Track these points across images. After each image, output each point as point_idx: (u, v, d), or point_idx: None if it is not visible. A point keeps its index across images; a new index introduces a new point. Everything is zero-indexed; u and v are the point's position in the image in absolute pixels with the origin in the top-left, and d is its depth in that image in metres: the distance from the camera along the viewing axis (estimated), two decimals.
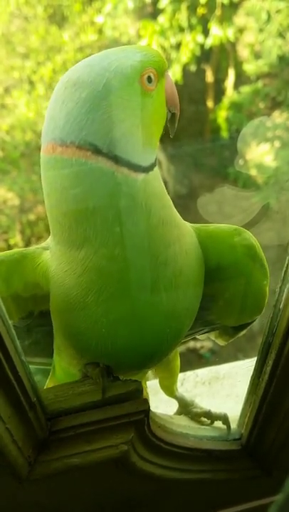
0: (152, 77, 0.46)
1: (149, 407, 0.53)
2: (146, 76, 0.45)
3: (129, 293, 0.47)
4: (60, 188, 0.44)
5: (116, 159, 0.43)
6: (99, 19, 4.12)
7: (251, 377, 0.59)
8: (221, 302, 0.58)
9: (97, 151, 0.42)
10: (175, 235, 0.49)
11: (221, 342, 0.67)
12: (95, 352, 0.51)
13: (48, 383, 0.63)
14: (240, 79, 4.60)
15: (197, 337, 0.66)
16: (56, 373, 0.60)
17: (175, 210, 0.50)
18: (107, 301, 0.47)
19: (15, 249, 0.52)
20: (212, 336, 0.67)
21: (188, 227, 0.53)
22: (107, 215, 0.43)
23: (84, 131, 0.42)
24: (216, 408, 0.66)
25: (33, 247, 0.51)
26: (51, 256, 0.49)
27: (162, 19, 4.00)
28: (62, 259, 0.47)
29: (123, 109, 0.43)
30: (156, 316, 0.50)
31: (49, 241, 0.51)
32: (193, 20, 4.04)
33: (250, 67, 4.44)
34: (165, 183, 0.49)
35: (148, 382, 0.72)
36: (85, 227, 0.44)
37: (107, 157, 0.42)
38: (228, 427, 0.63)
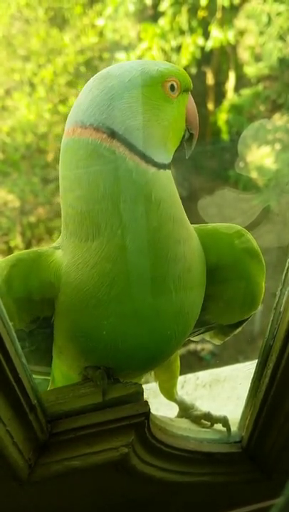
0: (175, 86, 0.50)
1: (149, 409, 0.53)
2: (169, 83, 0.49)
3: (140, 287, 0.48)
4: (75, 168, 0.46)
5: (130, 146, 0.45)
6: (100, 22, 4.12)
7: (252, 379, 0.59)
8: (219, 300, 0.58)
9: (112, 134, 0.45)
10: (185, 234, 0.50)
11: (216, 341, 0.67)
12: (102, 353, 0.52)
13: None
14: (241, 81, 4.60)
15: (192, 339, 0.66)
16: (56, 380, 0.60)
17: (185, 213, 0.51)
18: (118, 295, 0.48)
19: (29, 250, 0.53)
20: (207, 336, 0.67)
21: (192, 229, 0.54)
22: (117, 200, 0.45)
23: (104, 115, 0.45)
24: (216, 411, 0.65)
25: (45, 247, 0.53)
26: (63, 253, 0.50)
27: (163, 22, 4.00)
28: (75, 253, 0.48)
29: (143, 103, 0.46)
30: (166, 312, 0.51)
31: (60, 240, 0.52)
32: (194, 23, 4.04)
33: (250, 70, 4.44)
34: None
35: (149, 385, 0.72)
36: (96, 212, 0.46)
37: (121, 142, 0.45)
38: (228, 429, 0.63)
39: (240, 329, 0.64)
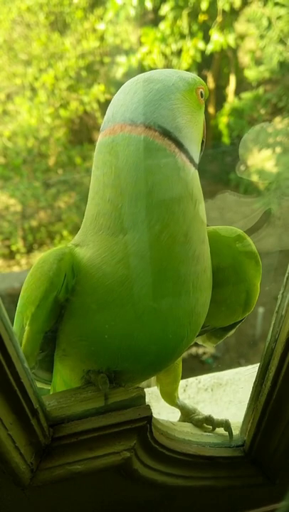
0: (203, 93, 0.53)
1: (151, 413, 0.53)
2: (200, 90, 0.52)
3: (162, 285, 0.49)
4: (122, 164, 0.47)
5: (179, 144, 0.47)
6: (100, 26, 4.15)
7: (254, 383, 0.59)
8: (217, 302, 0.58)
9: (164, 132, 0.47)
10: (206, 235, 0.52)
11: (209, 345, 0.67)
12: (113, 354, 0.52)
13: None
14: (241, 85, 4.62)
15: None
16: (56, 386, 0.60)
17: None
18: (140, 291, 0.48)
19: (61, 246, 0.52)
20: (200, 340, 0.67)
21: None
22: (162, 196, 0.46)
23: (154, 114, 0.47)
24: (218, 414, 0.65)
25: (69, 244, 0.53)
26: (85, 249, 0.50)
27: (163, 26, 4.02)
28: (100, 245, 0.49)
29: (185, 105, 0.49)
30: (181, 311, 0.51)
31: (78, 238, 0.52)
32: (195, 27, 4.06)
33: (251, 74, 4.45)
34: None
35: (151, 389, 0.72)
36: (139, 208, 0.47)
37: (172, 140, 0.47)
38: (230, 433, 0.63)
39: (233, 332, 0.64)
